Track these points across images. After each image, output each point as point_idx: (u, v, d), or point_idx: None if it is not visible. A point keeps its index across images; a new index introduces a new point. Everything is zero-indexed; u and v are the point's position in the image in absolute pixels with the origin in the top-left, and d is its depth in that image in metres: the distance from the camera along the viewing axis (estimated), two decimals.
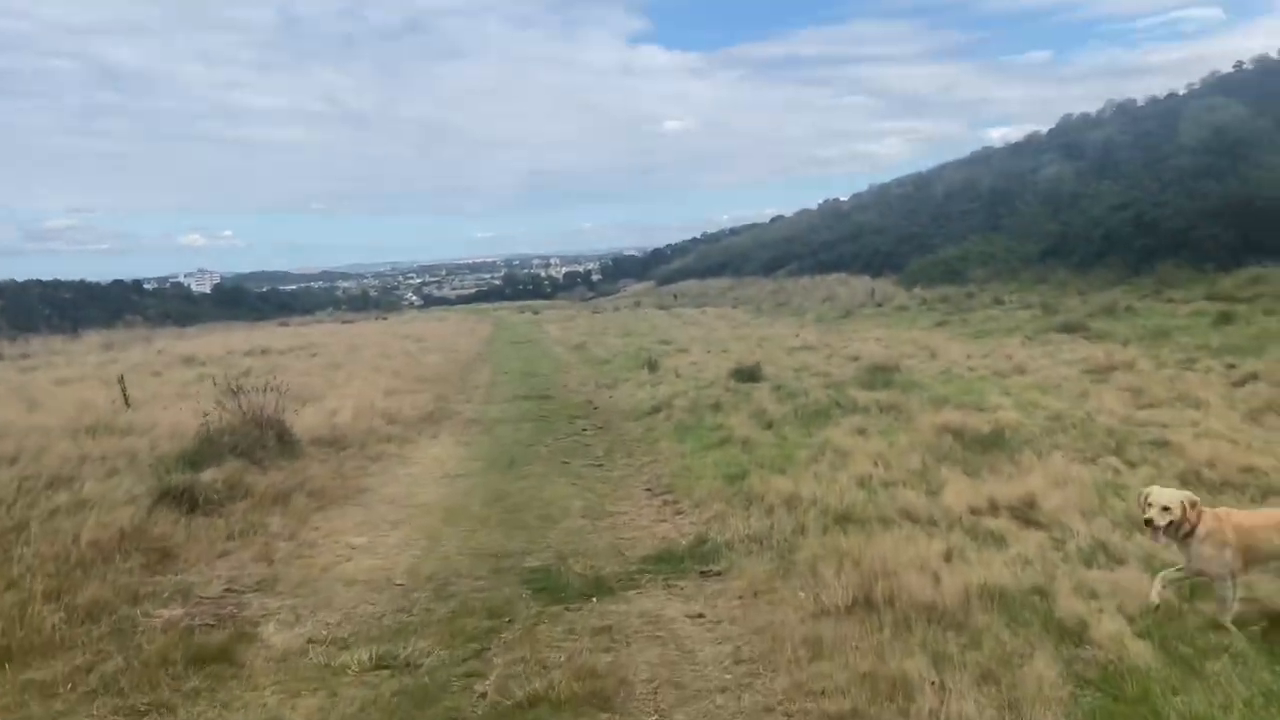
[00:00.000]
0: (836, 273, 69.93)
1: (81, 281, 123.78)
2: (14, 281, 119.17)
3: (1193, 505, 5.85)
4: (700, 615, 6.30)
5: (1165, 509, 5.83)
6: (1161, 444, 11.31)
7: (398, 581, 7.26)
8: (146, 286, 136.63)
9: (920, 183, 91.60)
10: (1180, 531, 5.84)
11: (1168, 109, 73.85)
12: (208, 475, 9.41)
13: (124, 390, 14.79)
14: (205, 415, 11.27)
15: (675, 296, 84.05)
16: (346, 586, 7.16)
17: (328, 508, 9.63)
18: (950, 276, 50.42)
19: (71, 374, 22.71)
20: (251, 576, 7.30)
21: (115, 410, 14.51)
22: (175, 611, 6.36)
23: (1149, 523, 5.90)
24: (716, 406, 15.45)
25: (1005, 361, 20.49)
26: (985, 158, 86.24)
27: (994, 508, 8.64)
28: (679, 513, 9.36)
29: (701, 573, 7.27)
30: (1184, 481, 9.63)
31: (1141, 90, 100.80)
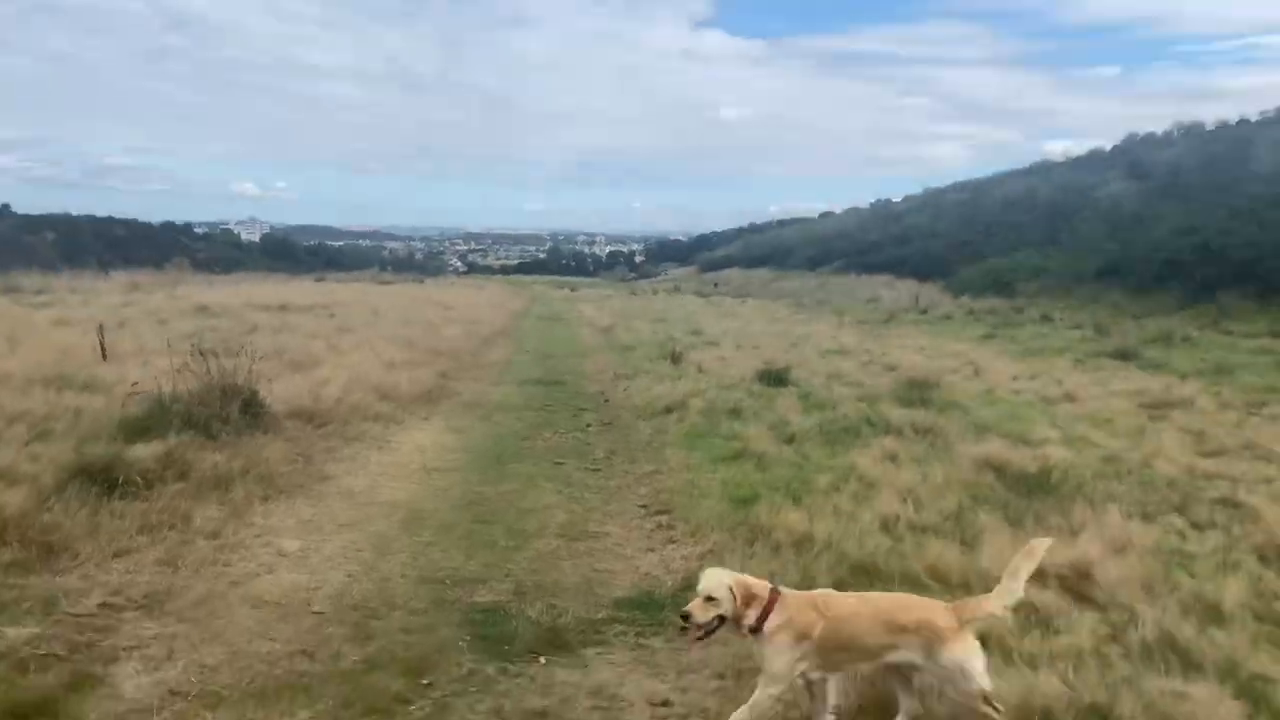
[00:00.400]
0: (883, 274, 68.16)
1: (134, 220, 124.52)
2: (68, 216, 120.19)
3: (746, 591, 4.41)
4: (665, 703, 4.95)
5: (710, 599, 4.39)
6: (1232, 504, 9.82)
7: (316, 609, 5.99)
8: (197, 231, 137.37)
9: (977, 190, 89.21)
10: (746, 627, 4.42)
11: (1240, 135, 71.19)
12: (140, 450, 8.18)
13: (101, 340, 13.66)
14: (156, 379, 10.05)
15: (715, 285, 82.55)
16: (252, 609, 5.90)
17: (274, 498, 8.38)
18: (999, 288, 48.59)
19: (80, 315, 21.76)
20: (142, 586, 6.04)
21: (94, 361, 13.44)
22: (23, 631, 5.12)
23: (686, 618, 4.45)
24: (736, 412, 14.07)
25: (1054, 387, 18.93)
26: (1046, 169, 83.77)
27: (1041, 573, 7.21)
28: (672, 540, 8.02)
29: (681, 629, 5.92)
30: (1262, 557, 8.18)
31: (1210, 113, 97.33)
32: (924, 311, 43.28)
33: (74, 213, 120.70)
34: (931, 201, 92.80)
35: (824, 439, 12.28)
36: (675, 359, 20.67)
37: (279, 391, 11.77)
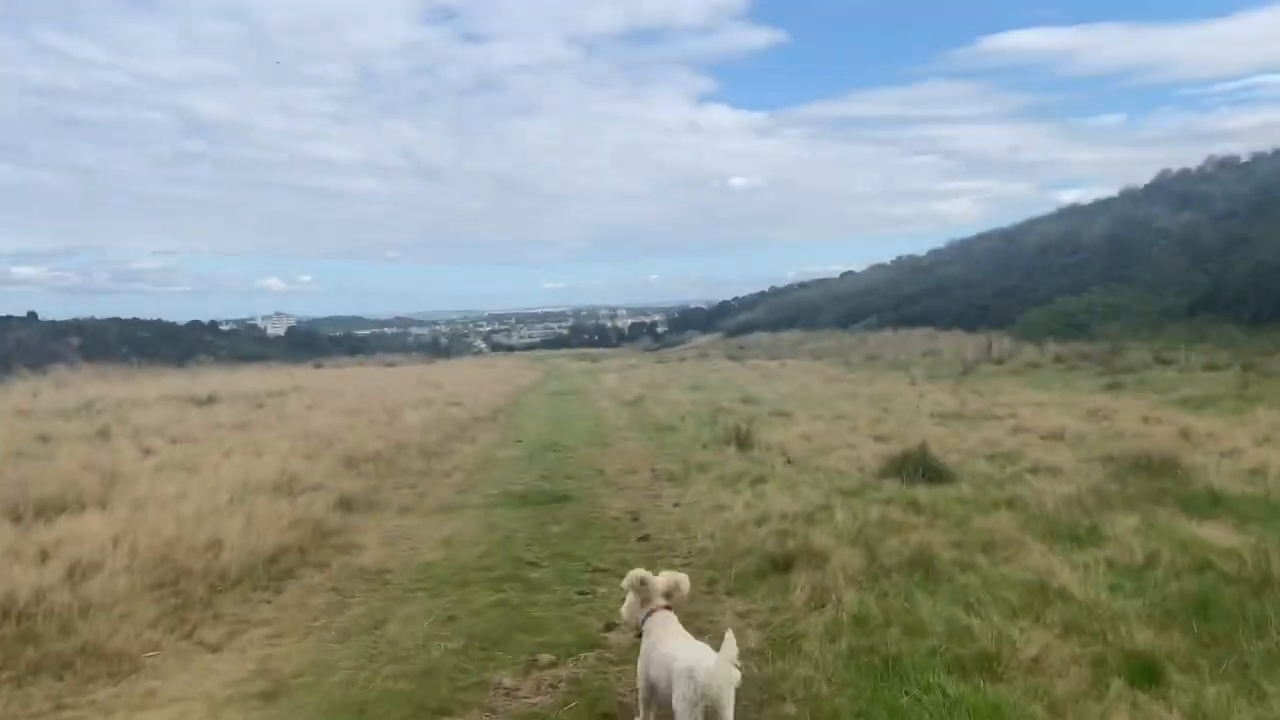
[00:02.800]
0: (922, 328, 60.49)
1: (158, 320, 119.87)
2: (94, 319, 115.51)
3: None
4: None
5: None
6: None
7: None
8: (223, 327, 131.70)
9: (1006, 238, 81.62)
10: None
11: None
12: None
13: None
14: None
15: (742, 348, 74.83)
16: None
17: None
18: (1073, 330, 40.70)
19: None
20: None
21: None
22: None
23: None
24: (923, 564, 6.24)
25: None
26: (1088, 211, 76.04)
27: None
28: None
29: None
30: None
31: (1212, 152, 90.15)
32: (1000, 361, 35.24)
33: (98, 316, 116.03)
34: (960, 253, 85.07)
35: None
36: (742, 441, 12.85)
37: None
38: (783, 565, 6.53)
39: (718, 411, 18.50)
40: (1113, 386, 24.03)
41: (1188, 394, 21.07)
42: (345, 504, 8.80)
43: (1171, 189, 70.86)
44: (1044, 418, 16.67)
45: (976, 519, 7.84)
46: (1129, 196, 75.86)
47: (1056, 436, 14.14)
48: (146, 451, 11.21)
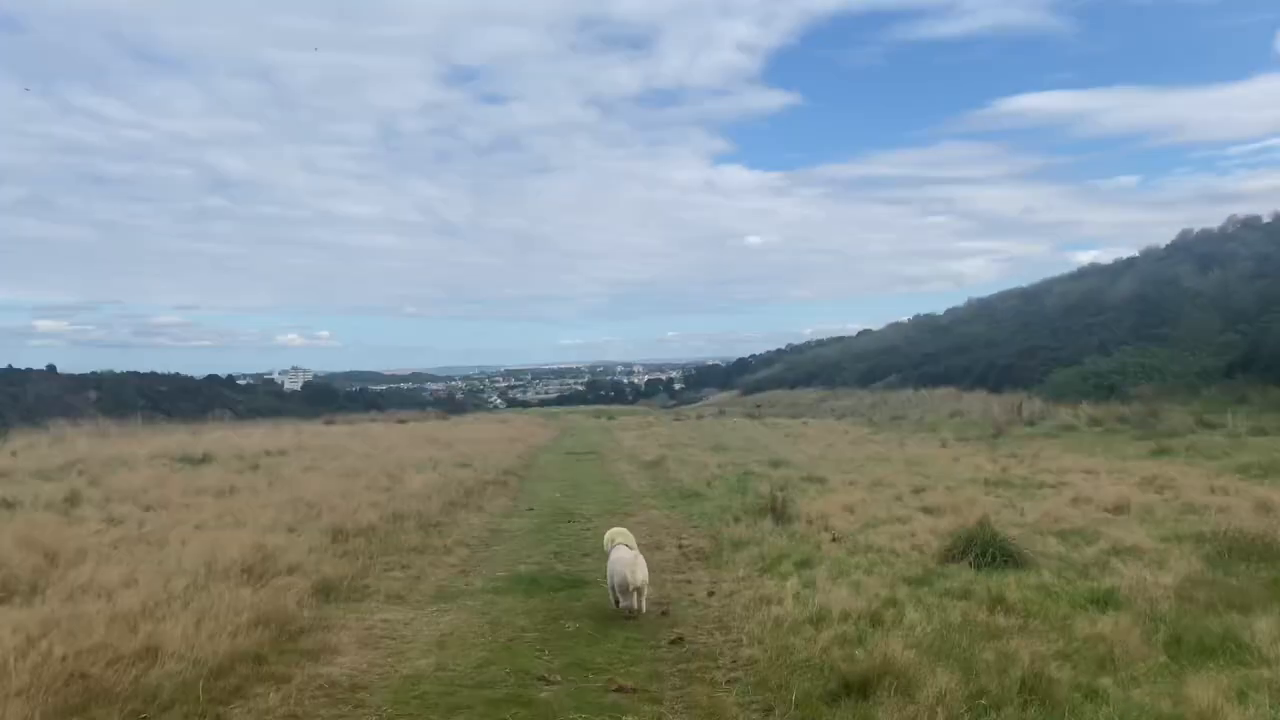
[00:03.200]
0: (943, 386, 58.92)
1: (176, 375, 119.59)
2: (112, 373, 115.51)
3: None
4: None
5: None
6: None
7: None
8: (241, 382, 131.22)
9: (1027, 297, 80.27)
10: None
11: None
12: None
13: None
14: None
15: (759, 406, 73.35)
16: None
17: None
18: (1103, 391, 39.10)
19: None
20: None
21: None
22: None
23: None
24: (1044, 691, 4.84)
25: None
26: (1110, 271, 74.74)
27: None
28: None
29: None
30: None
31: (1233, 212, 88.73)
32: (1031, 423, 33.65)
33: (118, 370, 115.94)
34: (980, 311, 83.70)
35: None
36: (779, 513, 11.44)
37: None
38: (857, 688, 5.12)
39: (746, 476, 17.10)
40: (1160, 452, 22.45)
41: (1245, 460, 19.51)
42: (324, 591, 7.45)
43: (1195, 249, 69.54)
44: (1099, 487, 15.23)
45: (1079, 621, 6.44)
46: (1151, 256, 74.61)
47: (1121, 509, 12.71)
48: (111, 521, 9.93)
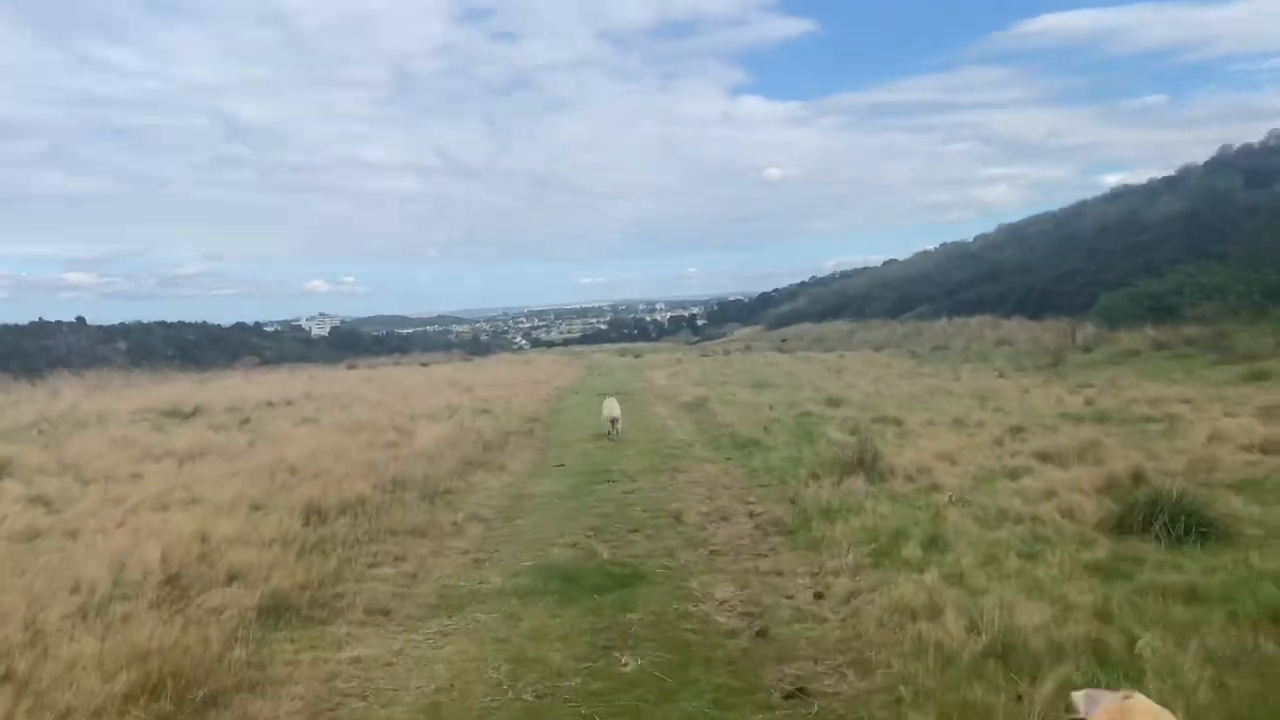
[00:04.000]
0: (979, 315, 55.99)
1: (203, 323, 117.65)
2: (140, 323, 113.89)
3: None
4: None
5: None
6: None
7: None
8: (268, 329, 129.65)
9: (1058, 221, 76.55)
10: None
11: None
12: None
13: None
14: None
15: (785, 340, 70.79)
16: None
17: None
18: (1160, 314, 36.09)
19: None
20: None
21: None
22: None
23: None
24: None
25: None
26: (1146, 191, 70.82)
27: None
28: None
29: None
30: None
31: (1255, 134, 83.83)
32: (1088, 350, 30.96)
33: (146, 320, 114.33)
34: (1010, 237, 80.00)
35: None
36: (868, 467, 9.02)
37: None
38: None
39: (804, 417, 14.69)
40: (1256, 377, 19.81)
41: None
42: (275, 610, 5.13)
43: (1239, 164, 65.56)
44: (1214, 419, 12.74)
45: None
46: (1191, 174, 70.63)
47: (1273, 449, 10.25)
48: (30, 500, 7.65)
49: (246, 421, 14.56)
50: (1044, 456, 9.96)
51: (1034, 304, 52.34)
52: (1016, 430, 12.42)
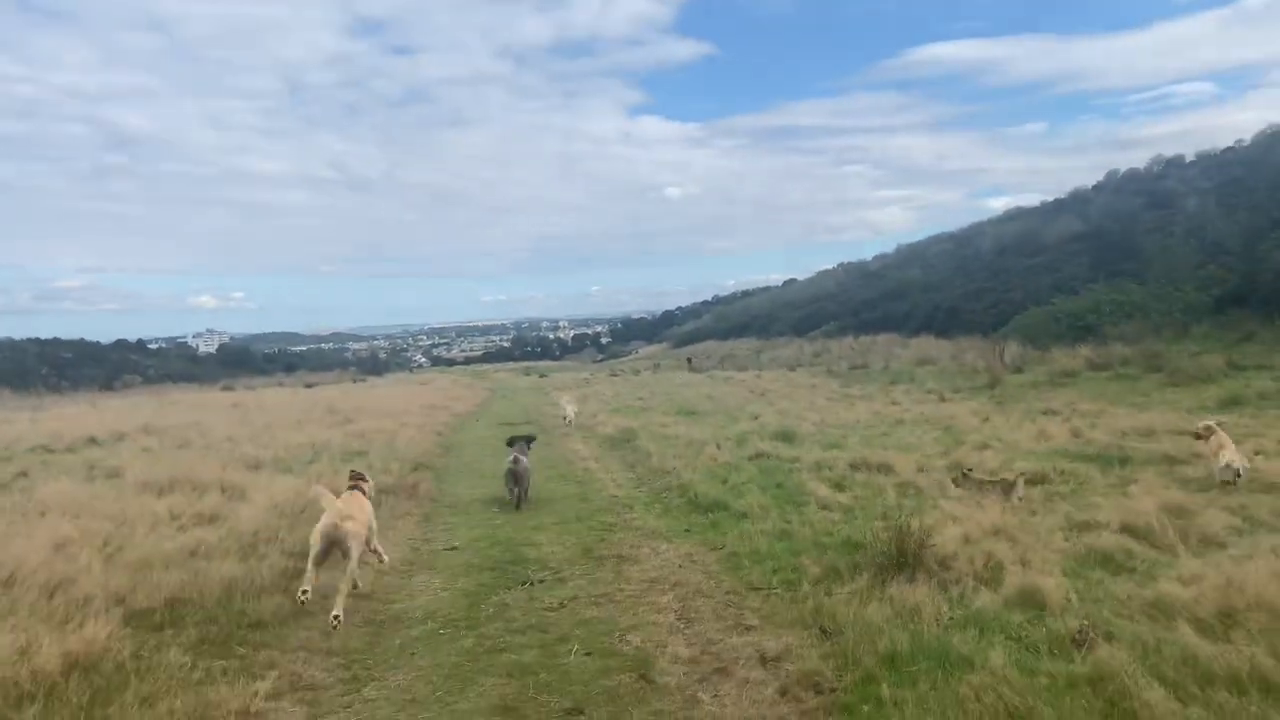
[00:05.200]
0: (885, 333, 54.50)
1: (81, 340, 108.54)
2: (11, 340, 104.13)
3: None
4: None
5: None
6: None
7: None
8: (152, 346, 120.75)
9: (958, 241, 76.35)
10: None
11: (1246, 158, 60.08)
12: None
13: None
14: None
15: (691, 359, 68.24)
16: None
17: None
18: (1079, 333, 34.61)
19: None
20: None
21: None
22: None
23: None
24: None
25: None
26: (1043, 212, 70.84)
27: None
28: None
29: None
30: None
31: (1131, 160, 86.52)
32: (1020, 369, 28.85)
33: (15, 337, 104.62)
34: (910, 257, 79.39)
35: None
36: (911, 559, 5.87)
37: None
38: None
39: (762, 461, 11.51)
40: (1230, 402, 17.59)
41: None
42: None
43: (1127, 189, 66.17)
44: (1257, 458, 10.09)
45: None
46: (1081, 196, 71.14)
47: None
48: None
49: (23, 475, 10.55)
50: (1132, 531, 6.98)
51: (940, 322, 50.96)
52: (1040, 481, 9.51)
